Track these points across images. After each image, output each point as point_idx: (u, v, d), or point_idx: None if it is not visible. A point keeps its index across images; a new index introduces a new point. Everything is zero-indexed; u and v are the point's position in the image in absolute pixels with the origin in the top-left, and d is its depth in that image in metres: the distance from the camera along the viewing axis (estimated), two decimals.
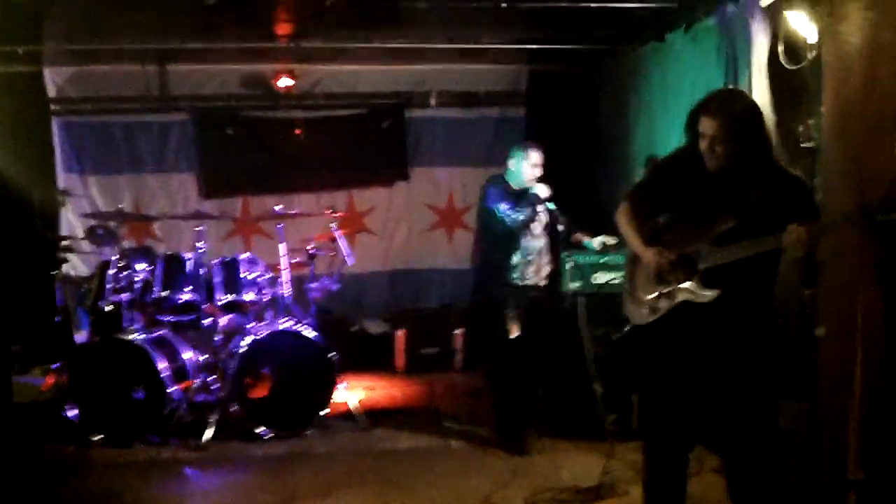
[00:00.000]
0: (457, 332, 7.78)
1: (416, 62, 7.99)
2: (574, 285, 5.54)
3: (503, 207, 5.41)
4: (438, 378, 7.43)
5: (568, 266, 5.56)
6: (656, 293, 3.51)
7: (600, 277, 5.53)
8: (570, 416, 5.66)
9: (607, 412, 5.30)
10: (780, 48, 4.56)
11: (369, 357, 7.72)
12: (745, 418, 3.37)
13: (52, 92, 7.70)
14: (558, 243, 5.61)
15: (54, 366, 6.10)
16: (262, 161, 8.12)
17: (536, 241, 5.56)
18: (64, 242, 6.95)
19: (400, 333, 7.81)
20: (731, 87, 4.89)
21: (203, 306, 6.03)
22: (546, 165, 5.58)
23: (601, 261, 5.54)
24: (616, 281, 5.33)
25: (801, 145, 4.33)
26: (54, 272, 6.57)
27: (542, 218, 5.59)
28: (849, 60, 3.85)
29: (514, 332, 5.43)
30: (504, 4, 5.50)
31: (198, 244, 6.08)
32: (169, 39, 6.73)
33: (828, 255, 3.81)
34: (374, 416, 6.15)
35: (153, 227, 7.92)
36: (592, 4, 5.69)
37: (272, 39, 6.70)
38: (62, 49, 6.97)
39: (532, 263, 5.54)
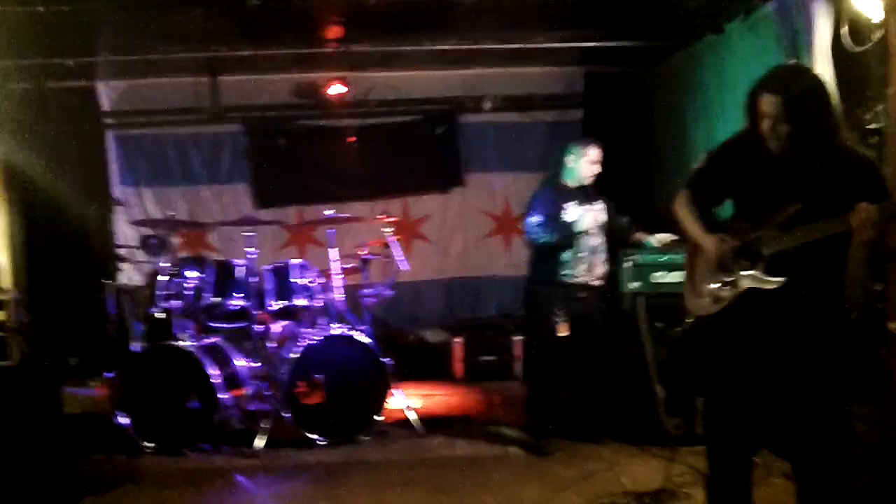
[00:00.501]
0: (515, 339, 7.63)
1: (469, 67, 7.87)
2: (633, 285, 5.40)
3: (533, 221, 5.29)
4: (497, 386, 7.30)
5: (626, 265, 5.40)
6: (719, 283, 3.30)
7: (660, 277, 5.37)
8: (630, 420, 5.47)
9: (669, 416, 5.11)
10: (844, 30, 4.35)
11: (427, 365, 7.67)
12: (816, 420, 3.14)
13: (105, 105, 7.79)
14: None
15: (107, 375, 6.11)
16: (316, 170, 8.13)
17: (591, 238, 5.40)
18: (118, 252, 7.02)
19: (458, 342, 7.74)
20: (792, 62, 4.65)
21: (255, 313, 5.97)
22: (603, 167, 5.46)
23: (661, 259, 5.39)
24: (677, 280, 5.12)
25: (869, 128, 4.10)
26: (108, 282, 6.59)
27: (600, 217, 5.44)
28: None
29: (563, 332, 5.27)
30: None
31: (248, 250, 6.03)
32: (218, 48, 6.71)
33: None
34: (431, 423, 6.04)
35: (209, 237, 7.95)
36: None
37: (321, 44, 6.64)
38: (113, 61, 7.00)
39: (584, 261, 5.37)
